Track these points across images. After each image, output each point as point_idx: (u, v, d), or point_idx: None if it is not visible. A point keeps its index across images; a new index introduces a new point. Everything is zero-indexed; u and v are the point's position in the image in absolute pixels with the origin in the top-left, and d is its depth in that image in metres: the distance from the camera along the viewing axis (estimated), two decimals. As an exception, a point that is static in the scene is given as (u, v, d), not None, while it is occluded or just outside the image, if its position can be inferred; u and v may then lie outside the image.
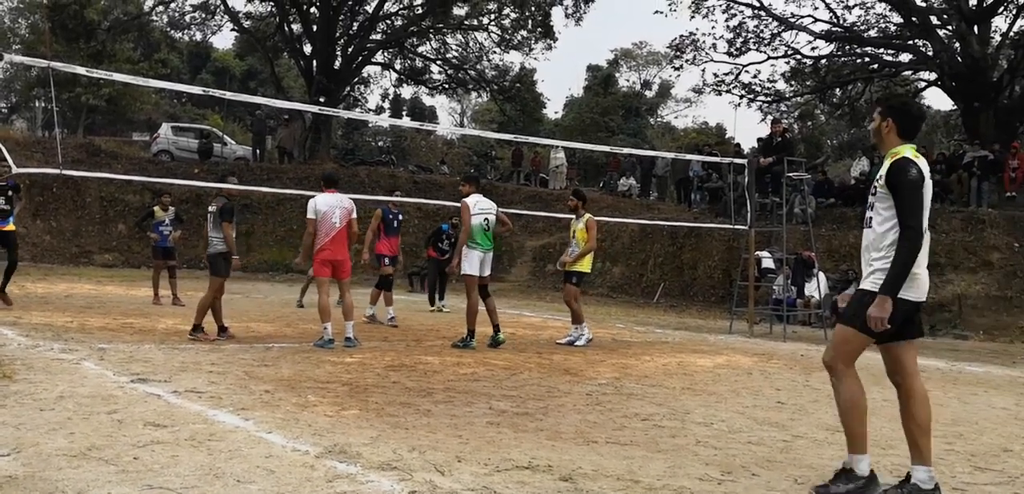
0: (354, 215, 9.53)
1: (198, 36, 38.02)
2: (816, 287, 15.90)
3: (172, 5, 32.43)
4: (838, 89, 29.22)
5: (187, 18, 33.55)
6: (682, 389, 7.55)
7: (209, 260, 9.65)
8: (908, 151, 4.25)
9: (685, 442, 5.34)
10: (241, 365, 7.50)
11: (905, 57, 26.41)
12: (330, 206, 9.35)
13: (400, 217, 12.88)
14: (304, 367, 7.61)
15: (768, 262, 16.85)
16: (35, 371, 6.54)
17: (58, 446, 4.33)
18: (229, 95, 14.36)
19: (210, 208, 9.66)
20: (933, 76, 25.85)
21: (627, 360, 9.49)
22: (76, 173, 16.79)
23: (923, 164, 4.23)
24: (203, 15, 33.26)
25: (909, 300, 4.14)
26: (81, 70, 11.47)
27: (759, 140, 19.93)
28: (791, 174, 14.74)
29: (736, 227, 15.76)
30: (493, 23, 32.57)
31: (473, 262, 9.80)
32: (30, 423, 4.81)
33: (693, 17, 29.91)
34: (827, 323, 15.29)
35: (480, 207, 9.87)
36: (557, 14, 32.31)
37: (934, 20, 24.38)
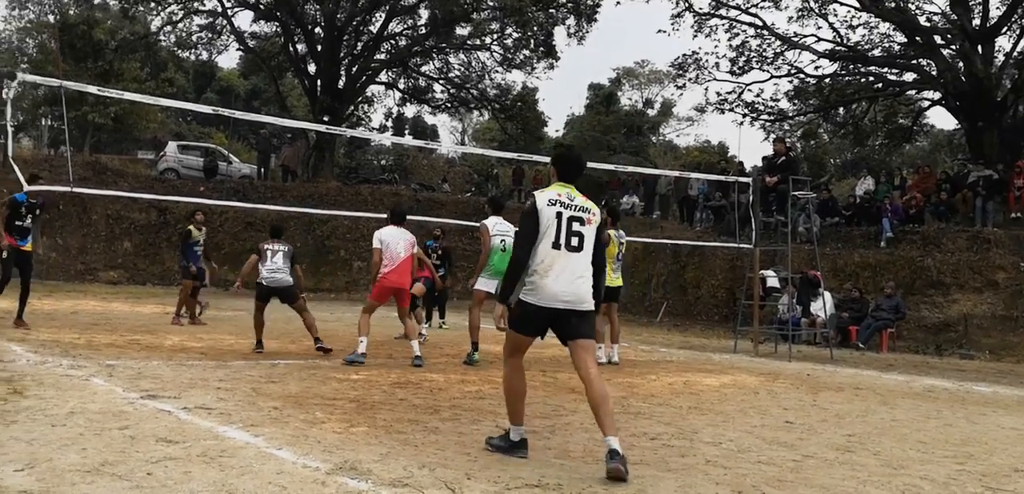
0: (416, 249, 10.21)
1: (204, 55, 38.23)
2: (821, 306, 15.90)
3: (179, 25, 32.61)
4: (842, 108, 29.30)
5: (194, 38, 33.73)
6: (689, 408, 7.55)
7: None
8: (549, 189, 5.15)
9: (694, 462, 5.34)
10: (248, 382, 7.51)
11: (909, 76, 26.50)
12: (395, 237, 9.85)
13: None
14: (310, 384, 7.62)
15: (773, 281, 16.86)
16: (45, 387, 6.55)
17: (71, 462, 4.34)
18: (236, 114, 14.41)
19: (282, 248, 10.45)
20: (937, 95, 25.94)
21: (633, 379, 9.49)
22: (85, 190, 16.81)
23: (550, 194, 5.06)
24: (210, 35, 33.45)
25: (530, 303, 5.00)
26: (92, 89, 11.55)
27: (764, 159, 19.98)
28: (797, 193, 14.76)
29: (740, 246, 15.76)
30: (496, 43, 32.73)
31: (490, 283, 10.01)
32: (42, 439, 4.82)
33: (696, 36, 30.25)
34: (833, 342, 15.28)
35: (499, 228, 10.10)
36: (559, 33, 32.63)
37: (938, 40, 24.46)
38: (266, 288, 10.42)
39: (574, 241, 4.98)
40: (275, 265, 10.43)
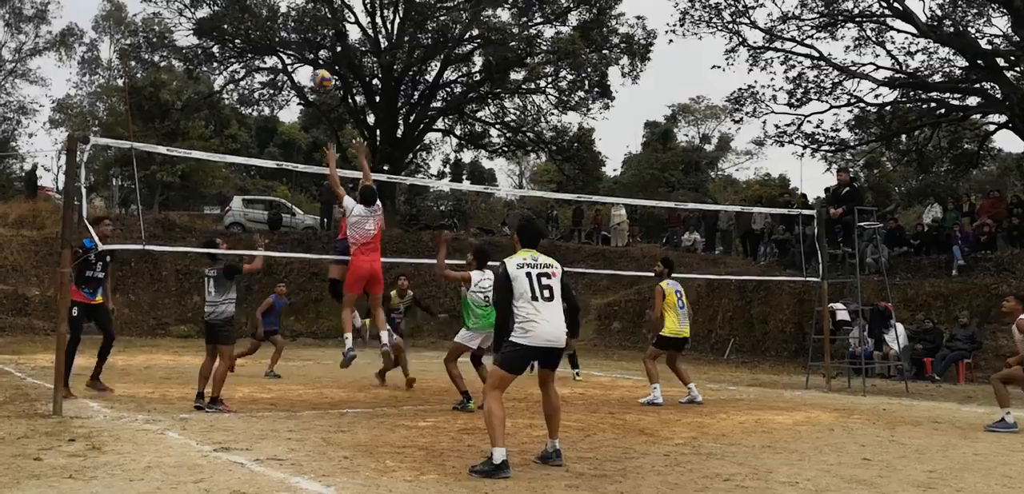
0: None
1: (266, 111, 39.19)
2: (894, 338, 15.45)
3: (241, 83, 33.56)
4: (904, 136, 28.59)
5: (255, 94, 34.63)
6: (762, 447, 7.37)
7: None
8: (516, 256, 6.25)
9: (771, 502, 5.20)
10: (318, 431, 7.59)
11: (973, 100, 25.78)
12: (364, 214, 9.02)
13: None
14: (380, 432, 7.66)
15: (843, 314, 16.45)
16: (122, 442, 6.71)
17: (151, 516, 4.42)
18: (298, 167, 14.71)
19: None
20: (1003, 118, 25.17)
21: (703, 419, 9.32)
22: (157, 248, 17.32)
23: (517, 260, 6.18)
24: (271, 91, 34.31)
25: (521, 343, 6.01)
26: (161, 150, 11.84)
27: (827, 190, 19.62)
28: (863, 223, 14.44)
29: (807, 279, 15.44)
30: (550, 86, 32.87)
31: (473, 337, 9.57)
32: (122, 494, 4.93)
33: (751, 70, 29.80)
34: (908, 375, 14.81)
35: (482, 285, 9.41)
36: (613, 73, 32.39)
37: (1001, 62, 23.79)
38: (205, 325, 8.90)
39: (546, 293, 6.12)
40: (209, 295, 8.82)
